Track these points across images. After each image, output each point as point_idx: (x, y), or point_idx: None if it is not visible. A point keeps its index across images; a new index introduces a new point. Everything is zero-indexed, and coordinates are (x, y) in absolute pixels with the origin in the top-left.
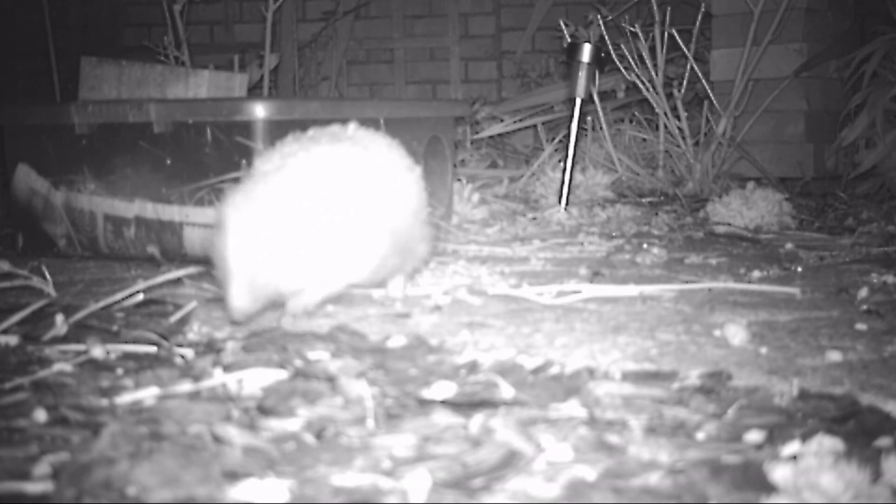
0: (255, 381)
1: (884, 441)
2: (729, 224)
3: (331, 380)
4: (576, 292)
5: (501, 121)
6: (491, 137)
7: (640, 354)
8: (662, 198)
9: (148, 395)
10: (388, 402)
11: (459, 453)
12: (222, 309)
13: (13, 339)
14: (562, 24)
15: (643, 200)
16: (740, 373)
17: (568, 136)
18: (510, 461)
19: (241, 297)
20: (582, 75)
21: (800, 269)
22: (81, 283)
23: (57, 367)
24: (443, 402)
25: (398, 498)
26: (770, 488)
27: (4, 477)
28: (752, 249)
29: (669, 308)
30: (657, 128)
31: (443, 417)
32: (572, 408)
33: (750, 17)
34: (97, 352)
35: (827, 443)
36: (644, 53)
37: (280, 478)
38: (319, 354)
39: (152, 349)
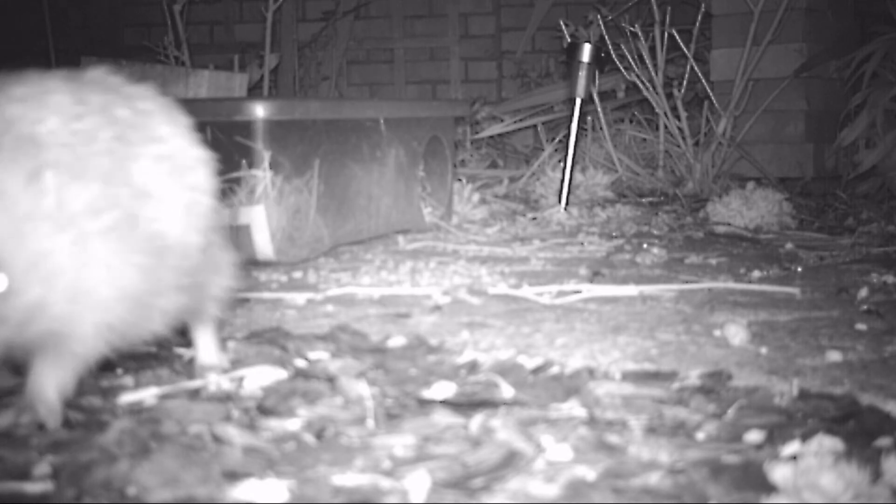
0: (255, 381)
1: (884, 441)
2: (729, 224)
3: (331, 380)
4: (576, 292)
5: (501, 121)
6: (491, 137)
7: (640, 354)
8: (662, 198)
9: (148, 395)
10: (388, 402)
11: (459, 453)
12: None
13: None
14: (562, 24)
15: (643, 200)
16: (740, 373)
17: (568, 136)
18: (510, 461)
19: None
20: (582, 75)
21: (800, 269)
22: None
23: None
24: (443, 402)
25: (398, 498)
26: (770, 488)
27: (4, 477)
28: (752, 249)
29: (669, 308)
30: (657, 128)
31: (443, 417)
32: (572, 408)
33: (750, 17)
34: None
35: (827, 443)
36: (644, 53)
37: (280, 478)
38: (319, 354)
39: (152, 349)
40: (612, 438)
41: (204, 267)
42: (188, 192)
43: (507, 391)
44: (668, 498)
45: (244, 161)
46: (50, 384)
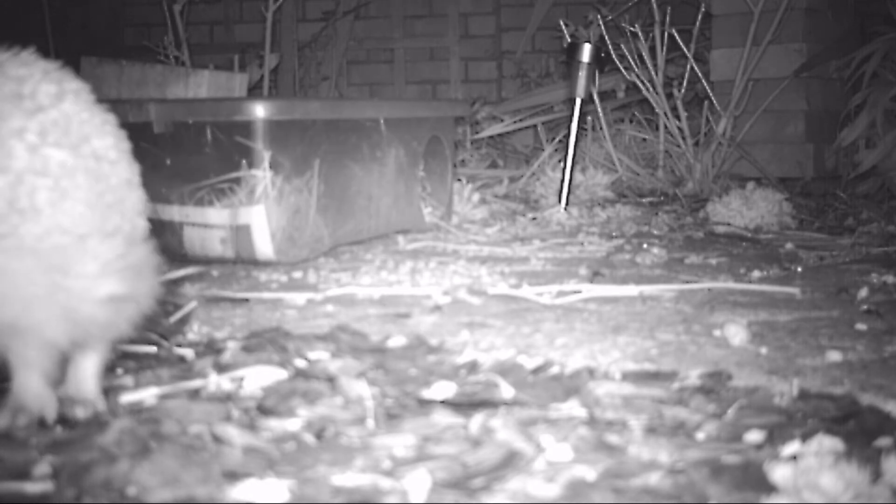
0: (255, 381)
1: (884, 441)
2: (729, 224)
3: (331, 380)
4: (576, 292)
5: (501, 121)
6: (491, 137)
7: (640, 354)
8: (662, 198)
9: (148, 395)
10: (388, 402)
11: (459, 453)
12: (222, 309)
13: None
14: (562, 24)
15: (643, 200)
16: (740, 373)
17: (568, 136)
18: (510, 461)
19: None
20: (582, 75)
21: (800, 269)
22: None
23: None
24: (443, 402)
25: (398, 498)
26: (770, 488)
27: (4, 477)
28: (752, 249)
29: (669, 308)
30: (657, 128)
31: (443, 417)
32: (572, 408)
33: (750, 17)
34: None
35: (827, 443)
36: (644, 53)
37: (280, 478)
38: (319, 354)
39: (152, 349)
40: (612, 438)
41: (131, 245)
42: (89, 161)
43: (507, 391)
44: (668, 498)
45: (244, 161)
46: (32, 376)
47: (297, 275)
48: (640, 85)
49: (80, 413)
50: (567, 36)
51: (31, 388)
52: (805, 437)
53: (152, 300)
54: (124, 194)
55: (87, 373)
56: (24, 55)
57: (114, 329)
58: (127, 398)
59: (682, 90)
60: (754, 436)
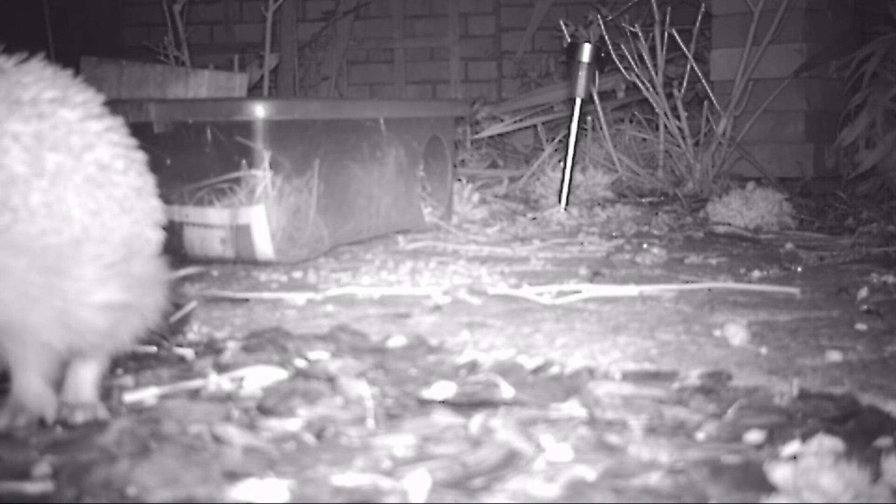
0: (255, 381)
1: (884, 441)
2: (729, 224)
3: (331, 380)
4: (576, 292)
5: (501, 121)
6: (491, 137)
7: (640, 354)
8: (662, 198)
9: (148, 395)
10: (388, 402)
11: (459, 453)
12: (222, 309)
13: None
14: (562, 24)
15: (643, 200)
16: (740, 373)
17: (568, 136)
18: (510, 461)
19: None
20: (582, 75)
21: (800, 269)
22: None
23: None
24: (443, 402)
25: (398, 498)
26: (770, 488)
27: (4, 477)
28: (752, 249)
29: (669, 308)
30: (657, 128)
31: (443, 417)
32: (572, 408)
33: (750, 17)
34: None
35: (827, 443)
36: (644, 53)
37: (280, 478)
38: (319, 354)
39: (152, 349)
40: (612, 438)
41: (130, 255)
42: (90, 168)
43: (507, 391)
44: (668, 498)
45: (244, 161)
46: (31, 377)
47: (297, 275)
48: (640, 85)
49: (79, 417)
50: (567, 36)
51: (31, 388)
52: (805, 437)
53: (158, 314)
54: (133, 203)
55: (85, 381)
56: (31, 63)
57: (114, 339)
58: (127, 398)
59: (682, 90)
60: (754, 436)
